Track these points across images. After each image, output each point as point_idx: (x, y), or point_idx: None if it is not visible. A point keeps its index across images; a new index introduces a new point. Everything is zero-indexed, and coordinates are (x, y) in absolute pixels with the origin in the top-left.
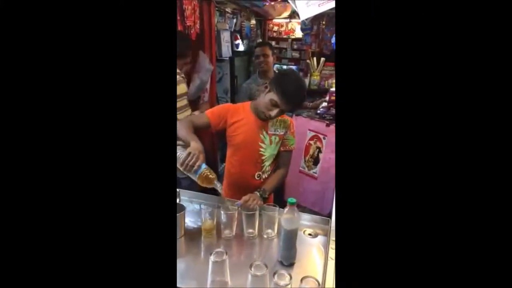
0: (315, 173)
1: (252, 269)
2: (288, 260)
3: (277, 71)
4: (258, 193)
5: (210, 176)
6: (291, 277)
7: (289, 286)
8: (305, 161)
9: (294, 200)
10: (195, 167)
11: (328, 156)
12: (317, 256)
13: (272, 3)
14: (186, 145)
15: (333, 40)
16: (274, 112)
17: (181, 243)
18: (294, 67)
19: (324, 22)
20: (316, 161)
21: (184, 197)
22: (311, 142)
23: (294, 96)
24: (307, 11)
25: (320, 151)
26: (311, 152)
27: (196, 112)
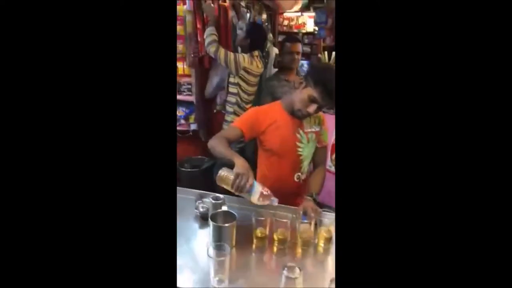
0: None
1: None
2: None
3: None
4: (310, 199)
5: (265, 193)
6: None
7: None
8: (331, 159)
9: None
10: (248, 187)
11: None
12: None
13: None
14: (224, 160)
15: None
16: (312, 109)
17: (232, 255)
18: (305, 62)
19: None
20: None
21: (235, 204)
22: None
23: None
24: None
25: None
26: None
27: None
